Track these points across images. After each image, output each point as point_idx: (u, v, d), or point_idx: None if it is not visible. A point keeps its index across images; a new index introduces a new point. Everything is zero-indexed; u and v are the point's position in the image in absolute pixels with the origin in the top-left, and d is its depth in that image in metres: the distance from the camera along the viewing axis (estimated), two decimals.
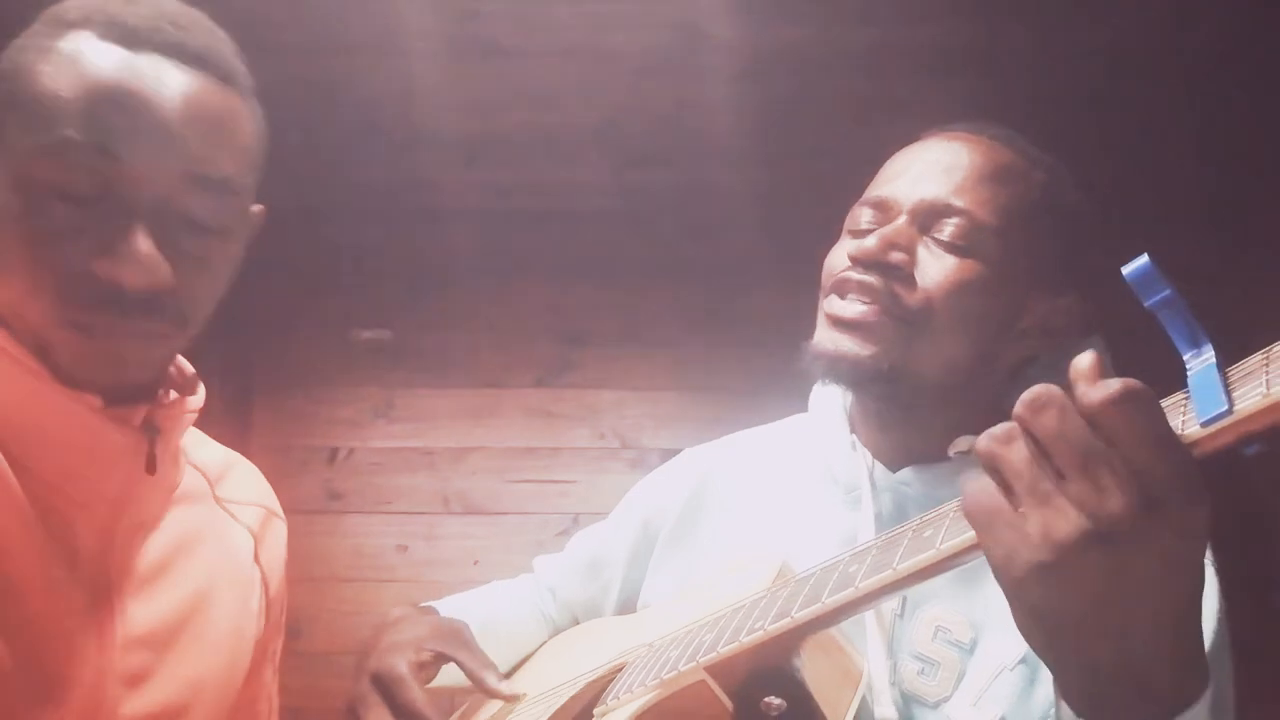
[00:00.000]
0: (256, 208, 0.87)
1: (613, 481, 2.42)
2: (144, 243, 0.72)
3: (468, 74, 2.14)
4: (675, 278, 2.54)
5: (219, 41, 0.79)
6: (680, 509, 1.06)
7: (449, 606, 1.11)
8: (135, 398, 0.79)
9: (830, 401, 1.04)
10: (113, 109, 0.72)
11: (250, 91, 0.82)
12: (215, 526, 0.91)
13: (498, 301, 2.54)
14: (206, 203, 0.76)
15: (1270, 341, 0.50)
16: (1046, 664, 0.56)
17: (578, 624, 1.15)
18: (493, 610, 1.13)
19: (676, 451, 1.18)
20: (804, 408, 1.09)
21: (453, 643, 0.93)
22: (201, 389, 0.87)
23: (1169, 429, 0.50)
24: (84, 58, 0.74)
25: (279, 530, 1.00)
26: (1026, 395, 0.52)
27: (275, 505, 1.01)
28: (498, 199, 2.49)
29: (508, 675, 1.12)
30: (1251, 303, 1.68)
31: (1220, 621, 0.81)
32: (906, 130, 1.01)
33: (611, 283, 2.55)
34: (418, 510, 2.43)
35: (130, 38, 0.75)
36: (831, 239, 1.06)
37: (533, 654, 1.14)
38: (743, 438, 1.13)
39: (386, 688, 0.89)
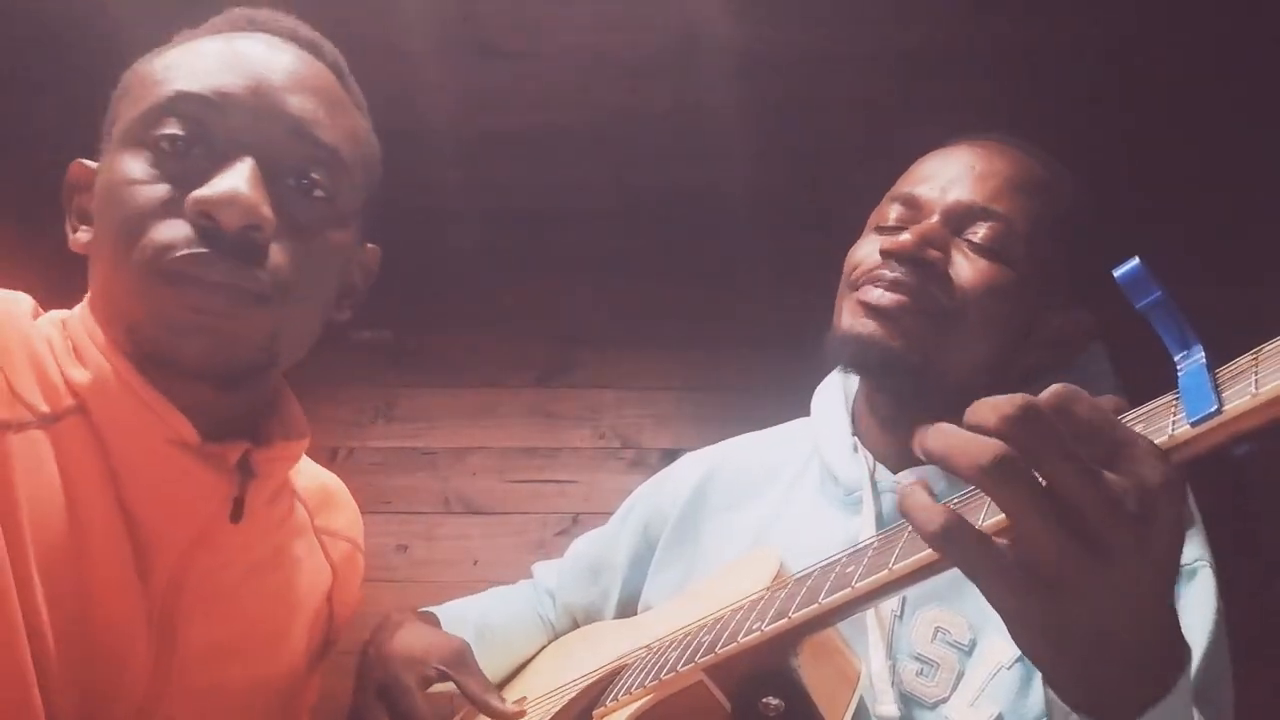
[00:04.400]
0: (370, 246, 0.86)
1: (613, 481, 2.41)
2: (244, 172, 0.70)
3: (467, 74, 2.13)
4: (675, 278, 2.54)
5: (332, 48, 0.81)
6: (681, 512, 1.06)
7: (448, 613, 1.12)
8: (233, 433, 0.77)
9: (833, 403, 1.05)
10: (220, 65, 0.73)
11: (364, 108, 0.83)
12: (306, 563, 0.89)
13: (498, 301, 2.54)
14: (314, 164, 0.74)
15: (1259, 341, 0.50)
16: (1036, 665, 0.57)
17: (578, 627, 1.15)
18: (491, 616, 1.13)
19: (677, 452, 1.18)
20: (804, 407, 1.09)
21: (455, 663, 0.93)
22: (308, 434, 0.84)
23: (1157, 446, 0.50)
24: (196, 39, 0.76)
25: (358, 566, 0.98)
26: (1007, 408, 0.50)
27: (360, 536, 0.99)
28: (498, 199, 2.48)
29: (507, 680, 1.12)
30: (1243, 302, 1.68)
31: (1218, 622, 0.81)
32: (906, 130, 1.01)
33: (611, 283, 2.55)
34: (418, 510, 2.42)
35: (242, 25, 0.78)
36: (831, 238, 1.06)
37: (532, 658, 1.14)
38: (743, 441, 1.14)
39: (392, 700, 0.90)
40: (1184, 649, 0.56)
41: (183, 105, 0.72)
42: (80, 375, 0.72)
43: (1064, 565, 0.50)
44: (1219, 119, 2.15)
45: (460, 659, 0.94)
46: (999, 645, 0.84)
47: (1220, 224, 2.30)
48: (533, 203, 2.51)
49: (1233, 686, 0.82)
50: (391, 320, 2.51)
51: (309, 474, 0.95)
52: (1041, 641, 0.54)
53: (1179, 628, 0.56)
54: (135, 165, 0.72)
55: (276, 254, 0.72)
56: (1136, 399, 0.55)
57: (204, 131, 0.72)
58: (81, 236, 0.78)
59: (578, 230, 2.54)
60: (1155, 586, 0.52)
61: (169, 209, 0.70)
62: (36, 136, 1.96)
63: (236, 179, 0.70)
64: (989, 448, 0.48)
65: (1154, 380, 0.60)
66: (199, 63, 0.74)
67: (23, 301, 0.76)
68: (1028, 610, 0.52)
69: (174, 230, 0.69)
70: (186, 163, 0.71)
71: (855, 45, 2.06)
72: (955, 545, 0.51)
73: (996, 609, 0.54)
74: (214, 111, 0.72)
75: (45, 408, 0.70)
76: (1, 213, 1.97)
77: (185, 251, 0.69)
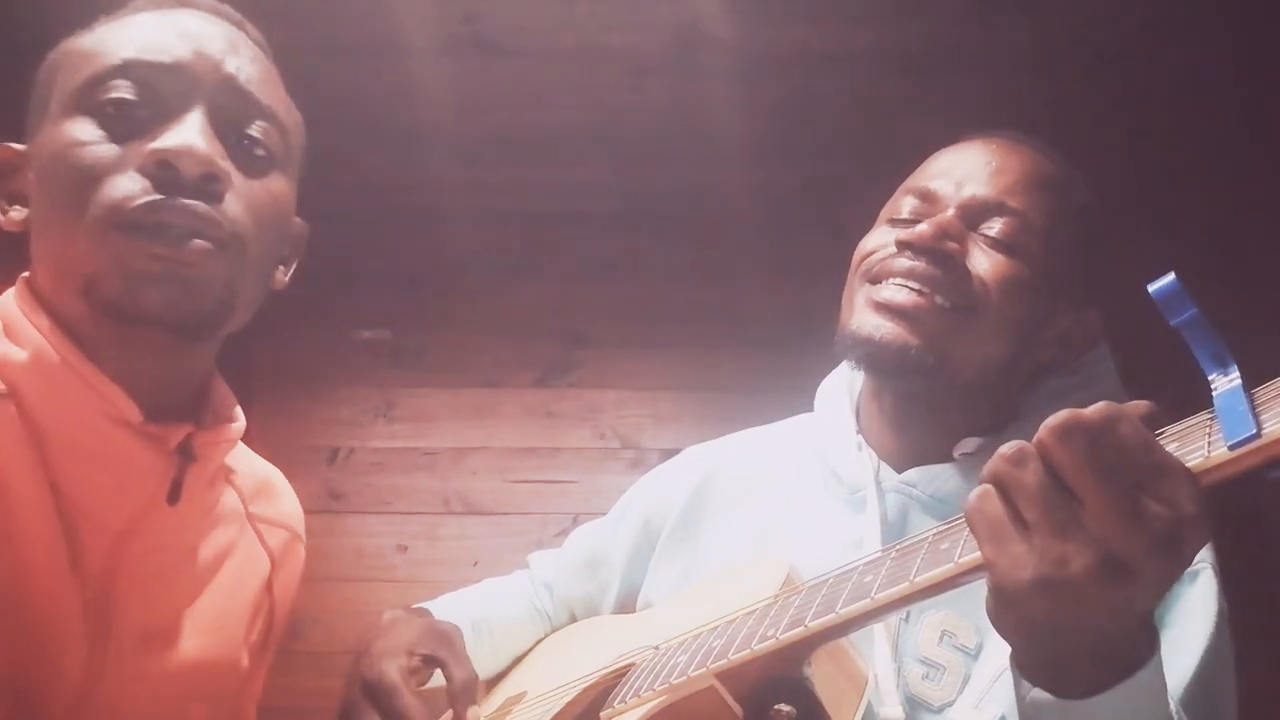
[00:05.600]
0: (298, 221, 0.88)
1: (613, 481, 2.41)
2: (197, 124, 0.73)
3: (467, 74, 2.14)
4: (675, 278, 2.53)
5: (254, 28, 0.84)
6: (682, 508, 1.06)
7: (443, 605, 1.11)
8: (176, 415, 0.77)
9: (837, 401, 1.04)
10: (161, 34, 0.76)
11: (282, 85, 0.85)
12: (240, 549, 0.89)
13: (498, 301, 2.54)
14: (255, 121, 0.77)
15: (1259, 341, 0.50)
16: (1012, 647, 0.59)
17: (575, 620, 1.14)
18: (487, 608, 1.13)
19: (676, 451, 1.18)
20: (804, 406, 1.09)
21: (443, 647, 0.91)
22: (241, 415, 0.85)
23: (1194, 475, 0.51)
24: (126, 15, 0.78)
25: (298, 555, 0.97)
26: (1053, 421, 0.53)
27: (301, 527, 0.98)
28: (498, 199, 2.48)
29: (503, 673, 1.12)
30: (1243, 302, 1.68)
31: (1219, 624, 0.81)
32: (907, 128, 1.01)
33: (611, 283, 2.55)
34: (418, 510, 2.42)
35: (169, 2, 0.80)
36: (831, 238, 1.06)
37: (529, 651, 1.13)
38: (745, 437, 1.13)
39: (378, 696, 0.88)
40: (1155, 638, 0.58)
41: (132, 70, 0.73)
42: (14, 353, 0.72)
43: (1083, 575, 0.50)
44: (1221, 118, 2.15)
45: (448, 642, 0.92)
46: (1004, 648, 0.84)
47: (1221, 224, 2.30)
48: (533, 203, 2.51)
49: (1235, 688, 0.82)
50: (391, 320, 2.51)
51: (246, 461, 0.94)
52: (1027, 633, 0.56)
53: (1151, 616, 0.57)
54: (82, 129, 0.73)
55: (231, 204, 0.74)
56: (1136, 398, 0.56)
57: (152, 94, 0.73)
58: (15, 215, 0.78)
59: (578, 230, 2.53)
60: (1157, 599, 0.53)
61: (120, 166, 0.71)
62: None
63: (190, 130, 0.72)
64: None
65: (1153, 379, 0.60)
66: (140, 33, 0.76)
67: None
68: (1029, 601, 0.53)
69: (129, 183, 0.71)
70: (133, 125, 0.73)
71: (855, 44, 2.06)
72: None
73: (999, 592, 0.55)
74: (162, 74, 0.74)
75: None
76: None
77: (145, 199, 0.70)
